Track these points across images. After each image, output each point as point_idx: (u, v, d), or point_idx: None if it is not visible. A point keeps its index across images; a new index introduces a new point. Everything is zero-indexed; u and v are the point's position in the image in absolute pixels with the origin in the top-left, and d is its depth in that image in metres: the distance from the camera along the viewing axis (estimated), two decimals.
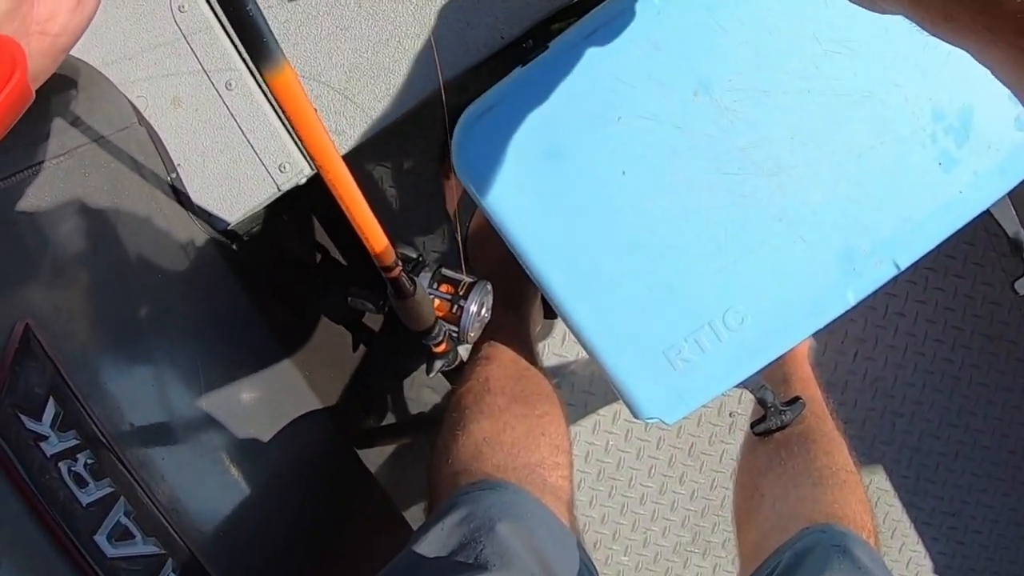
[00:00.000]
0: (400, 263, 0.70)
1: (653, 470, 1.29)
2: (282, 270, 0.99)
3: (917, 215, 0.65)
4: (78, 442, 0.62)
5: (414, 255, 0.88)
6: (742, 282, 0.66)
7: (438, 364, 0.92)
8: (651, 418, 0.70)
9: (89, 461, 0.62)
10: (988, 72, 0.70)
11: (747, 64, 0.64)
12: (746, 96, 0.64)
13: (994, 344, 1.23)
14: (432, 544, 0.67)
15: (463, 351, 0.96)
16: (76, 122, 0.71)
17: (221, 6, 0.48)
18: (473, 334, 0.88)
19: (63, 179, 0.68)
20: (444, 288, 0.87)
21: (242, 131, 0.75)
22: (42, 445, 0.61)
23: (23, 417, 0.60)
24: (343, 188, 0.58)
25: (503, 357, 0.92)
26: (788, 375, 1.03)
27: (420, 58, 0.73)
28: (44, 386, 0.61)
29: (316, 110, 0.53)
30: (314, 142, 0.54)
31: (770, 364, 0.69)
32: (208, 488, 0.71)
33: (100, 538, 0.62)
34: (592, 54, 0.64)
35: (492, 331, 0.94)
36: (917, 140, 0.64)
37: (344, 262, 1.11)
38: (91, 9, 0.51)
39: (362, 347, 1.09)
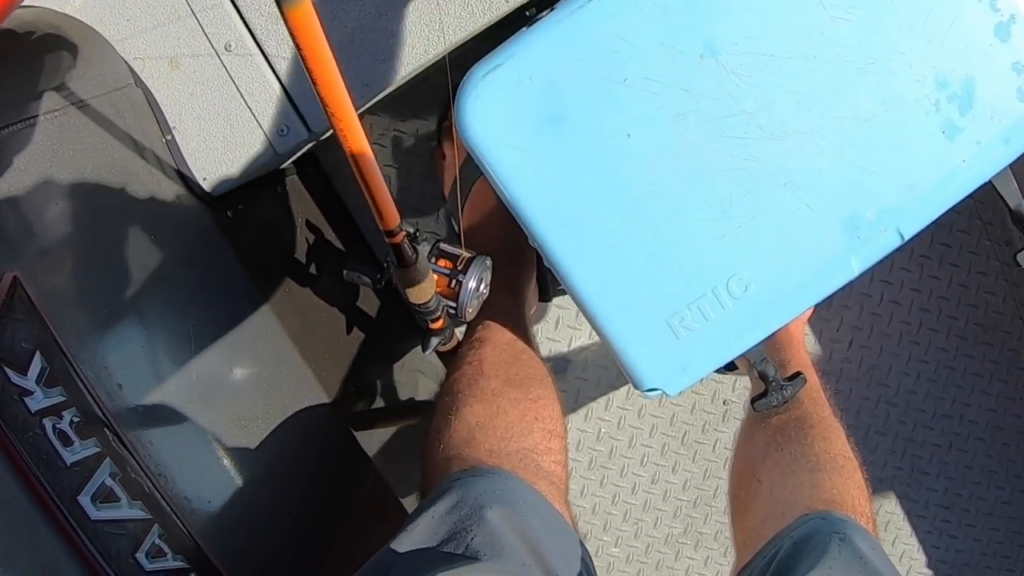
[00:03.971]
0: (403, 228, 0.69)
1: (645, 459, 1.28)
2: (276, 247, 0.98)
3: (921, 184, 0.65)
4: (64, 399, 0.60)
5: (411, 229, 0.87)
6: (746, 248, 0.66)
7: (434, 341, 0.91)
8: (652, 389, 0.69)
9: (75, 419, 0.61)
10: (990, 42, 0.69)
11: (753, 28, 0.63)
12: (752, 60, 0.63)
13: (989, 334, 1.23)
14: (422, 533, 0.66)
15: (459, 332, 0.95)
16: (71, 80, 0.70)
17: None
18: (471, 310, 0.87)
19: (56, 136, 0.67)
20: (442, 263, 0.86)
21: (240, 94, 0.74)
22: (27, 400, 0.59)
23: (8, 371, 0.59)
24: (352, 138, 0.56)
25: (498, 339, 0.91)
26: (785, 361, 1.02)
27: (424, 22, 0.73)
28: (31, 340, 0.60)
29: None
30: (327, 83, 0.51)
31: (773, 334, 0.68)
32: (197, 455, 0.70)
33: (84, 499, 0.61)
34: (598, 15, 0.63)
35: (487, 313, 0.92)
36: (921, 108, 0.64)
37: (339, 243, 1.09)
38: None
39: (356, 330, 1.07)
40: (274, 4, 0.51)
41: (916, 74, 0.64)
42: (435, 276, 0.83)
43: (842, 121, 0.64)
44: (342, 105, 0.53)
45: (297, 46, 0.47)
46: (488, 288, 0.88)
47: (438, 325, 0.87)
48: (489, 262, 0.87)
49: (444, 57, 0.76)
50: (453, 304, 0.85)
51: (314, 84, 0.50)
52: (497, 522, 0.66)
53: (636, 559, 1.32)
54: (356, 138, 0.56)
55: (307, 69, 0.49)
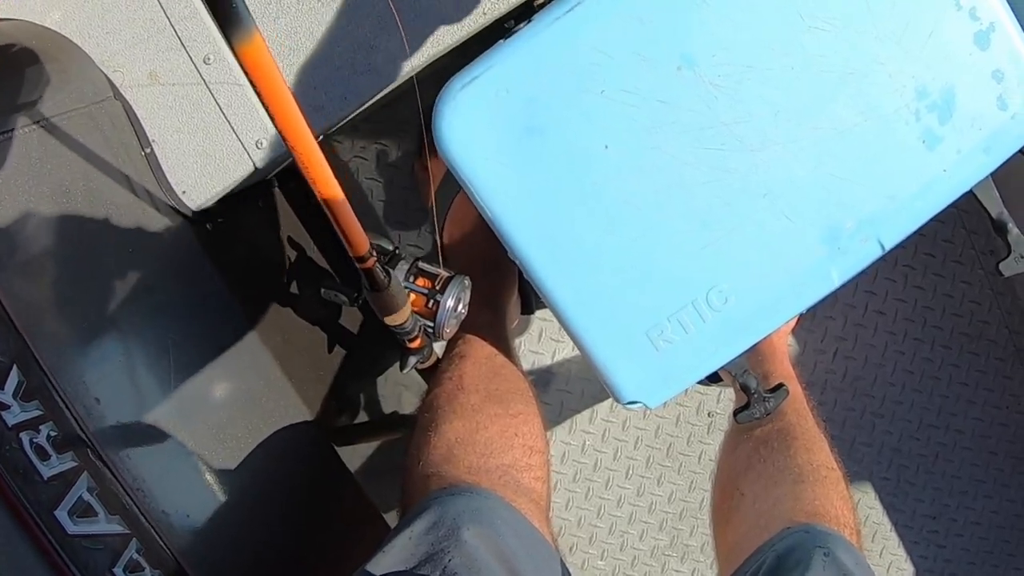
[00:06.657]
0: (375, 254, 0.68)
1: (631, 471, 1.28)
2: (257, 261, 0.97)
3: (902, 193, 0.65)
4: (41, 413, 0.60)
5: (390, 247, 0.86)
6: (726, 260, 0.65)
7: (412, 360, 0.90)
8: (633, 402, 0.69)
9: (52, 433, 0.60)
10: (969, 51, 0.70)
11: (731, 39, 0.63)
12: (730, 71, 0.63)
13: (974, 343, 1.24)
14: (399, 554, 0.66)
15: (438, 348, 0.94)
16: (50, 93, 0.69)
17: None
18: (449, 330, 0.86)
19: (35, 149, 0.66)
20: (421, 282, 0.86)
21: (219, 106, 0.74)
22: (3, 414, 0.59)
23: None
24: (315, 170, 0.55)
25: (478, 354, 0.91)
26: (768, 372, 1.02)
27: (402, 34, 0.72)
28: (8, 354, 0.59)
29: (288, 85, 0.51)
30: (284, 118, 0.51)
31: (753, 347, 0.68)
32: (176, 470, 0.69)
33: (61, 513, 0.60)
34: (575, 27, 0.63)
35: (468, 327, 0.92)
36: (900, 118, 0.64)
37: (319, 259, 1.09)
38: None
39: (338, 345, 1.07)
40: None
41: (895, 83, 0.64)
42: (412, 296, 0.82)
43: (821, 132, 0.64)
44: (301, 137, 0.52)
45: (251, 81, 0.47)
46: (466, 308, 0.88)
47: (415, 344, 0.86)
48: (468, 282, 0.87)
49: (424, 68, 0.76)
50: (431, 324, 0.85)
51: (271, 118, 0.50)
52: (475, 543, 0.65)
53: (622, 572, 1.31)
54: (317, 166, 0.55)
55: (263, 103, 0.49)
